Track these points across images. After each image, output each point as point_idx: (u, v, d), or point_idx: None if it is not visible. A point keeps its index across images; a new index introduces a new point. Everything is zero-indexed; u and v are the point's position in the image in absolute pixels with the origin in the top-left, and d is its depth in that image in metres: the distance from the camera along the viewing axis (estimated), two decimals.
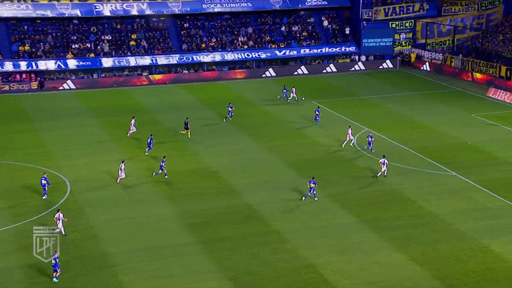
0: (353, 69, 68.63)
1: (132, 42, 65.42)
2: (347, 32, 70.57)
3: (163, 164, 36.97)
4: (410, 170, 38.21)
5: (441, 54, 67.65)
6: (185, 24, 68.18)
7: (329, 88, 60.23)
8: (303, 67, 67.32)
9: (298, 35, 69.64)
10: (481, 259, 27.68)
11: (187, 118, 46.16)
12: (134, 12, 66.19)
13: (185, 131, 44.89)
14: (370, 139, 41.42)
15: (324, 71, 67.76)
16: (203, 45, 66.58)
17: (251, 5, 69.07)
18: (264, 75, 66.23)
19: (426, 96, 56.70)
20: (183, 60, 65.03)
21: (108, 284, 26.26)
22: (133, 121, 45.55)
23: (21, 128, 47.62)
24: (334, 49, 69.07)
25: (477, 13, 71.94)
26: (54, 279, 26.26)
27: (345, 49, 69.38)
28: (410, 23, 71.27)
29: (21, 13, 62.78)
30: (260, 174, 38.24)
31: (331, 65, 68.04)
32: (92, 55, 63.29)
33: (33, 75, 60.97)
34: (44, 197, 34.24)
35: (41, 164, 39.30)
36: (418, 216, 32.03)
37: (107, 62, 63.10)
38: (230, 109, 49.22)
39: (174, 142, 44.24)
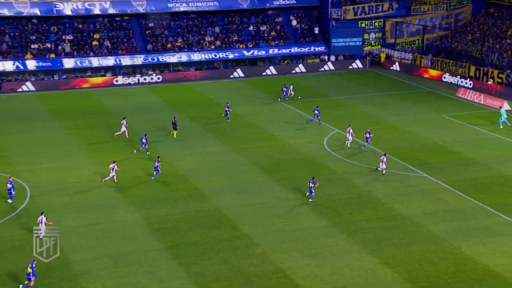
0: (322, 69, 69.18)
1: (95, 42, 64.79)
2: (316, 31, 71.12)
3: (158, 164, 37.36)
4: (380, 172, 38.65)
5: (411, 54, 68.68)
6: (150, 24, 67.83)
7: (298, 89, 60.55)
8: (271, 68, 67.58)
9: (267, 35, 69.91)
10: (452, 261, 28.17)
11: (174, 118, 46.41)
12: (97, 11, 65.59)
13: (174, 131, 45.37)
14: (368, 135, 42.46)
15: (293, 71, 68.15)
16: (169, 45, 66.33)
17: (218, 4, 69.08)
18: (232, 76, 66.28)
19: (396, 96, 57.49)
20: (148, 60, 64.66)
21: None
22: (124, 121, 45.26)
23: None
24: (303, 49, 69.53)
25: (446, 12, 73.25)
26: (21, 286, 25.90)
27: (314, 49, 69.91)
28: (380, 23, 72.20)
29: None
30: (229, 177, 38.26)
31: (300, 65, 68.47)
32: (52, 55, 62.48)
33: None
34: (9, 201, 33.95)
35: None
36: (389, 218, 32.46)
37: (68, 63, 62.36)
38: (227, 108, 49.70)
39: (139, 146, 43.91)
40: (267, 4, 70.87)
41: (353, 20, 71.24)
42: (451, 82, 61.81)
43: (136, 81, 63.23)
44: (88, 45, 64.39)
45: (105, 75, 63.48)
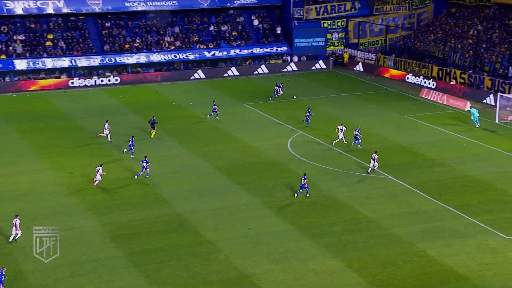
0: (285, 70, 69.54)
1: (49, 43, 63.77)
2: (278, 31, 71.46)
3: (146, 164, 37.60)
4: (345, 174, 39.06)
5: (374, 54, 69.60)
6: (106, 24, 67.12)
7: (261, 90, 60.75)
8: (233, 69, 67.61)
9: (228, 35, 69.93)
10: (417, 263, 28.60)
11: (153, 117, 46.37)
12: (50, 10, 64.57)
13: (152, 130, 45.71)
14: (356, 132, 43.48)
15: (256, 72, 68.32)
16: (127, 46, 65.75)
17: (177, 3, 68.79)
18: (192, 77, 66.06)
19: (360, 97, 58.14)
20: (105, 61, 63.96)
21: None
22: (106, 125, 44.96)
23: None
24: (265, 50, 69.77)
25: (408, 12, 74.49)
26: None
27: (276, 49, 70.22)
28: (342, 23, 72.98)
29: None
30: (191, 181, 38.10)
31: (263, 66, 68.69)
32: (3, 56, 61.24)
33: None
34: None
35: None
36: (354, 221, 32.78)
37: (20, 64, 61.26)
38: (214, 107, 50.23)
39: (97, 149, 43.46)
40: (228, 4, 70.90)
41: (316, 20, 71.85)
42: (414, 83, 62.86)
43: (93, 83, 62.48)
44: (41, 45, 63.35)
45: (59, 77, 62.52)
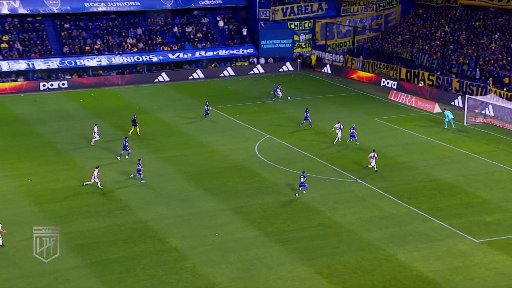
0: (252, 72, 69.69)
1: (4, 45, 62.75)
2: (245, 33, 71.60)
3: (140, 167, 37.81)
4: (314, 179, 39.26)
5: (342, 56, 70.24)
6: (65, 25, 66.36)
7: (227, 93, 60.75)
8: (198, 71, 67.50)
9: (192, 36, 69.79)
10: (387, 268, 28.91)
11: (134, 115, 47.11)
12: (5, 10, 63.58)
13: (133, 128, 46.58)
14: (352, 130, 44.78)
15: (222, 75, 68.30)
16: (87, 48, 65.10)
17: (139, 4, 68.40)
18: (156, 80, 65.74)
19: (328, 100, 58.57)
20: (64, 64, 63.20)
21: None
22: (95, 128, 44.72)
23: None
24: (231, 51, 69.83)
25: (375, 13, 75.37)
26: None
27: (243, 51, 70.34)
28: (309, 24, 73.49)
29: None
30: (155, 188, 37.88)
31: (229, 69, 68.73)
32: None
33: None
34: None
35: None
36: (324, 227, 32.98)
37: None
38: (206, 107, 51.16)
39: (57, 156, 42.95)
40: (192, 4, 70.78)
41: (282, 21, 72.21)
42: (382, 85, 63.62)
43: (51, 86, 61.66)
44: None
45: (16, 80, 61.57)
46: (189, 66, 68.43)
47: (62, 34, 65.62)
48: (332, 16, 73.75)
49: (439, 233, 32.28)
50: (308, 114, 49.42)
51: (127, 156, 42.02)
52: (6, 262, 29.10)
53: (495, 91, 53.46)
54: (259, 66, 70.13)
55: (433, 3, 72.50)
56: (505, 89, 54.07)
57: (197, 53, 68.19)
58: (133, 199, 36.09)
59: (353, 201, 36.11)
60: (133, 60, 65.70)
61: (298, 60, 71.77)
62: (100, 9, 67.21)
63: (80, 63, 63.81)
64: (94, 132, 44.77)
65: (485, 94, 53.79)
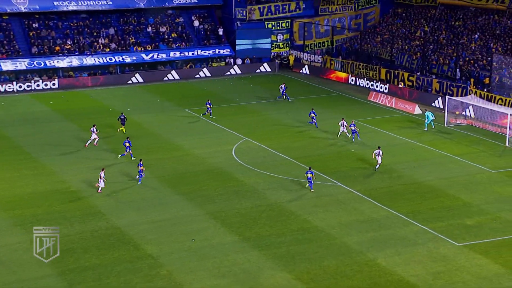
0: (228, 73, 69.69)
1: None
2: (221, 33, 71.58)
3: (142, 168, 38.16)
4: (293, 182, 39.36)
5: (320, 56, 70.55)
6: (34, 24, 65.74)
7: (203, 94, 60.62)
8: (173, 72, 67.32)
9: (167, 36, 69.59)
10: (367, 273, 29.07)
11: (122, 113, 48.13)
12: None
13: (123, 126, 47.39)
14: (353, 127, 46.30)
15: (197, 76, 68.20)
16: (57, 48, 64.57)
17: (111, 3, 68.03)
18: (130, 82, 65.42)
19: (306, 101, 58.74)
20: (33, 65, 62.62)
21: None
22: (93, 128, 44.77)
23: None
24: (207, 52, 69.79)
25: (354, 13, 75.87)
26: None
27: (219, 52, 70.31)
28: (287, 23, 73.71)
29: None
30: (129, 193, 37.68)
31: (205, 69, 68.65)
32: None
33: None
34: None
35: None
36: (303, 231, 33.07)
37: None
38: (208, 106, 51.70)
39: (26, 161, 42.53)
40: (166, 3, 70.59)
41: (259, 21, 72.32)
42: (362, 85, 64.01)
43: (20, 88, 61.03)
44: None
45: None
46: (163, 67, 68.22)
47: (31, 34, 65.01)
48: (310, 16, 74.07)
49: (420, 236, 32.55)
50: (313, 114, 50.47)
51: (119, 156, 42.48)
52: None
53: (475, 92, 54.12)
54: (235, 67, 70.17)
55: (413, 2, 73.18)
56: (485, 89, 54.77)
57: (171, 54, 68.01)
58: (106, 205, 35.86)
59: (332, 205, 36.26)
60: (105, 61, 65.31)
61: (276, 61, 71.93)
62: (70, 8, 66.72)
63: (50, 64, 63.28)
64: (92, 132, 44.75)
65: (466, 95, 54.41)
